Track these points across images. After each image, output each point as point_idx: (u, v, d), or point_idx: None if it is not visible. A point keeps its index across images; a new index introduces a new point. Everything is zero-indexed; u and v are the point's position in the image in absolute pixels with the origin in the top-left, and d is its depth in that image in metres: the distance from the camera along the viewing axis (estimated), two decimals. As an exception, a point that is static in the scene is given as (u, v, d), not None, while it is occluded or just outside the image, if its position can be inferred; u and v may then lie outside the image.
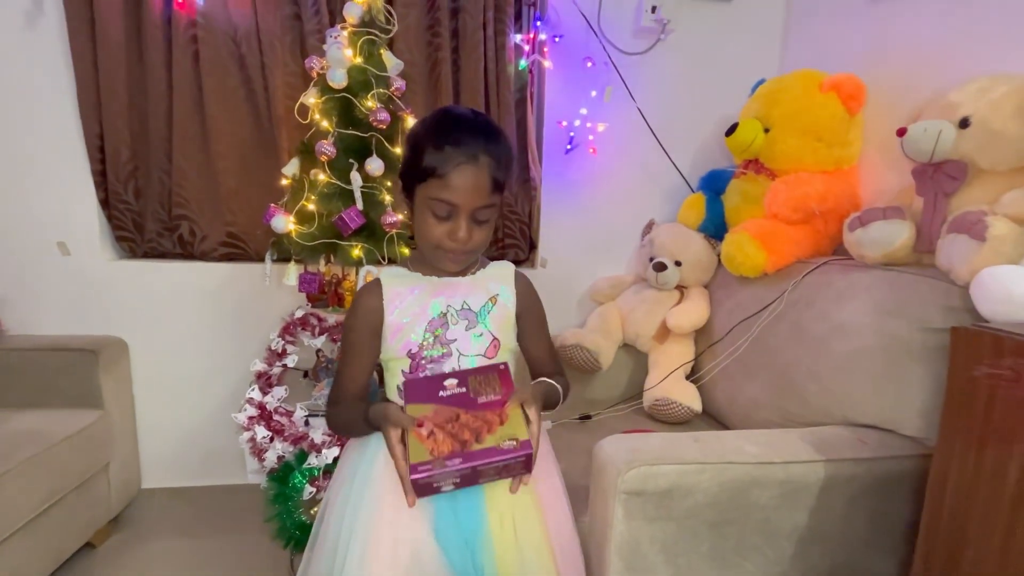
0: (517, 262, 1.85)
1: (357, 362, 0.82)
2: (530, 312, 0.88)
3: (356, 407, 0.78)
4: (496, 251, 1.82)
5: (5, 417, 1.37)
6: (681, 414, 1.43)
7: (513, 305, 0.85)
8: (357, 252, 1.28)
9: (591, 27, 1.69)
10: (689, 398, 1.45)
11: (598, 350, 1.58)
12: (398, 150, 1.31)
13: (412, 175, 0.75)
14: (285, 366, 1.26)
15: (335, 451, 1.19)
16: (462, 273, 0.83)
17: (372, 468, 0.77)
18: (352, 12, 1.29)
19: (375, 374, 0.88)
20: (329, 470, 1.19)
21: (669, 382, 1.48)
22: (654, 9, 1.68)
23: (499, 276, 0.86)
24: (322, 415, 1.22)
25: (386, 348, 0.81)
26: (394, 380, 0.83)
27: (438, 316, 0.80)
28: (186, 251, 1.69)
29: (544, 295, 1.62)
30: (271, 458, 1.15)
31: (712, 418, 1.48)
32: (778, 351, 1.28)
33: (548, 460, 0.87)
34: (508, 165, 0.77)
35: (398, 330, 0.79)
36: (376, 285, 0.81)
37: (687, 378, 1.53)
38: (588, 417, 1.49)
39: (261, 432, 1.15)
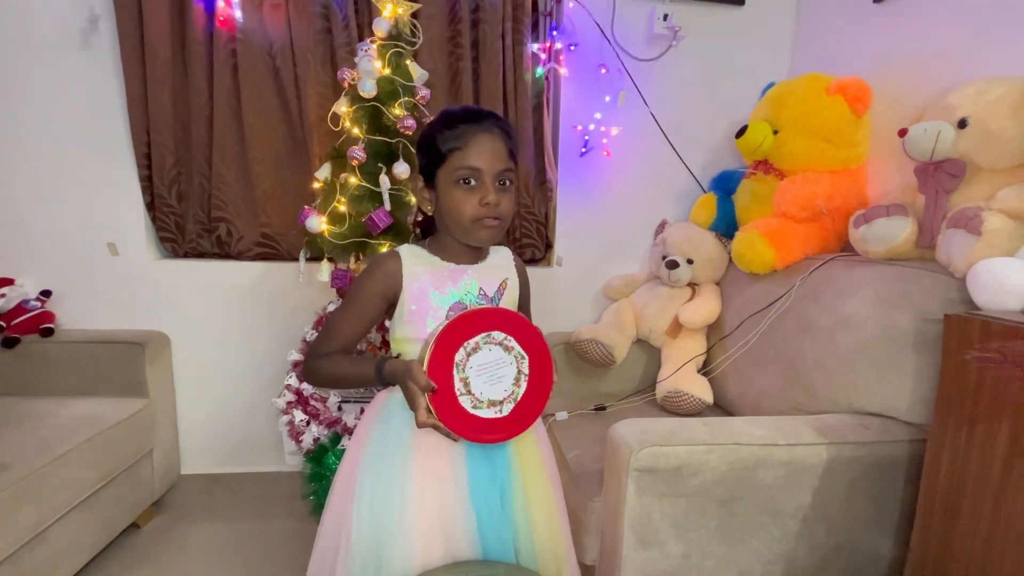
0: (534, 261, 1.92)
1: (358, 321, 0.84)
2: (526, 290, 0.96)
3: (357, 361, 0.81)
4: (514, 250, 1.89)
5: (62, 403, 1.49)
6: (693, 405, 1.49)
7: (517, 287, 0.92)
8: (385, 250, 1.37)
9: (605, 35, 1.76)
10: (701, 390, 1.50)
11: (612, 344, 1.64)
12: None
13: (433, 163, 0.82)
14: (319, 356, 1.35)
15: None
16: (474, 260, 0.87)
17: (404, 437, 0.81)
18: (380, 26, 1.38)
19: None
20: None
21: (681, 375, 1.54)
22: (666, 17, 1.74)
23: (504, 262, 0.93)
24: (354, 401, 1.30)
25: (402, 328, 0.83)
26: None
27: (456, 302, 0.83)
28: (224, 251, 1.80)
29: (560, 292, 1.71)
30: (308, 440, 1.23)
31: (723, 410, 1.53)
32: (786, 344, 1.33)
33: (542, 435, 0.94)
34: (516, 140, 0.84)
35: (415, 315, 0.81)
36: (395, 255, 0.83)
37: (699, 371, 1.58)
38: (603, 408, 1.55)
39: (299, 416, 1.23)
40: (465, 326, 0.77)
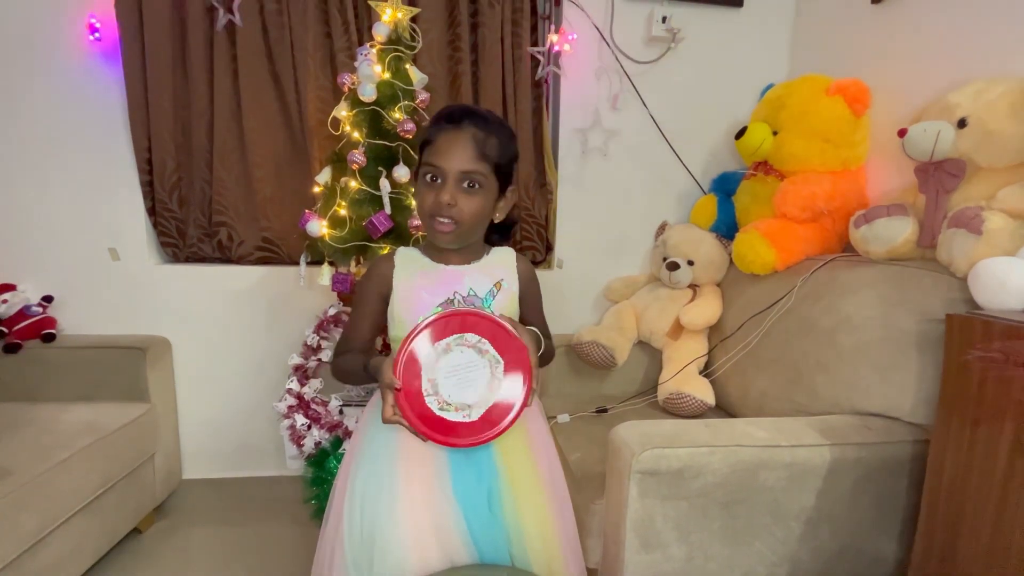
0: (534, 263, 1.92)
1: (363, 321, 0.89)
2: (530, 292, 0.94)
3: (358, 358, 0.84)
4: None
5: (63, 408, 1.49)
6: (695, 407, 1.48)
7: (516, 289, 0.90)
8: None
9: (603, 38, 1.77)
10: (702, 392, 1.50)
11: (614, 346, 1.64)
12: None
13: (417, 161, 0.84)
14: (320, 360, 1.35)
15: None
16: (467, 260, 0.87)
17: (391, 441, 0.82)
18: (380, 31, 1.39)
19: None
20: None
21: (683, 377, 1.54)
22: (664, 19, 1.75)
23: (503, 262, 0.91)
24: (356, 405, 1.30)
25: (395, 328, 0.86)
26: None
27: (445, 303, 0.83)
28: (224, 255, 1.80)
29: (561, 295, 1.69)
30: (309, 444, 1.23)
31: (725, 412, 1.53)
32: (788, 345, 1.32)
33: (540, 421, 0.93)
34: (500, 144, 0.81)
35: (406, 315, 0.84)
36: (390, 257, 0.87)
37: (700, 373, 1.58)
38: (605, 410, 1.55)
39: (300, 420, 1.23)
40: (438, 327, 0.76)
